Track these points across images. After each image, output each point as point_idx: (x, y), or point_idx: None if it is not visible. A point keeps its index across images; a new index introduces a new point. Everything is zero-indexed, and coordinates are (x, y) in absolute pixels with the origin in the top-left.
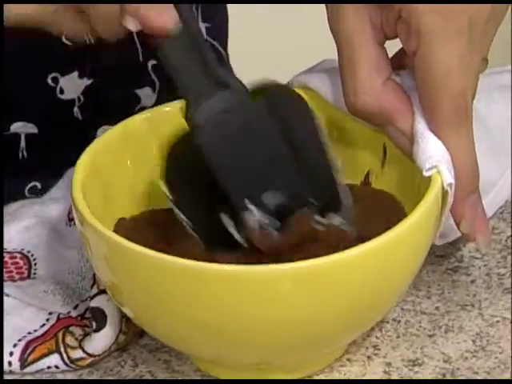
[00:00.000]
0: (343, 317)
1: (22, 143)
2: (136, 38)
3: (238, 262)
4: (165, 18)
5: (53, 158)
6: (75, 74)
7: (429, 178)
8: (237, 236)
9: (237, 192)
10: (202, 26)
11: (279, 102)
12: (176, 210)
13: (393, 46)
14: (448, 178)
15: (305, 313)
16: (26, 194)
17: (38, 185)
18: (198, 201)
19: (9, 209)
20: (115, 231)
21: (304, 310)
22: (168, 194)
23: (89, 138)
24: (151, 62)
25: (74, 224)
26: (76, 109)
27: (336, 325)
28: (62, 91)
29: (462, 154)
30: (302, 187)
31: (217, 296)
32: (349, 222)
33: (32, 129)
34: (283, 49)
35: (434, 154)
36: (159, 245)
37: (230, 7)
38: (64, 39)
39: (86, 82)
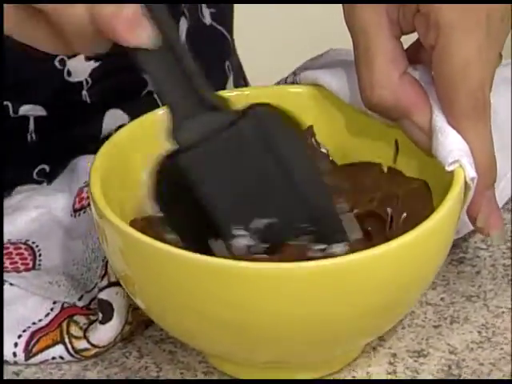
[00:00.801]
0: (360, 317)
1: (31, 126)
2: None
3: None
4: (139, 36)
5: (61, 142)
6: (82, 56)
7: (444, 174)
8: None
9: (224, 218)
10: (207, 11)
11: (267, 124)
12: (168, 231)
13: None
14: (471, 171)
15: (321, 311)
16: (35, 176)
17: (47, 168)
18: (188, 223)
19: (13, 200)
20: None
21: (320, 309)
22: (160, 212)
23: (97, 121)
24: None
25: (79, 215)
26: (84, 92)
27: (352, 325)
28: (69, 73)
29: (481, 148)
30: (295, 214)
31: (232, 293)
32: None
33: (41, 111)
34: (289, 35)
35: (455, 148)
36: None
37: None
38: None
39: (93, 64)
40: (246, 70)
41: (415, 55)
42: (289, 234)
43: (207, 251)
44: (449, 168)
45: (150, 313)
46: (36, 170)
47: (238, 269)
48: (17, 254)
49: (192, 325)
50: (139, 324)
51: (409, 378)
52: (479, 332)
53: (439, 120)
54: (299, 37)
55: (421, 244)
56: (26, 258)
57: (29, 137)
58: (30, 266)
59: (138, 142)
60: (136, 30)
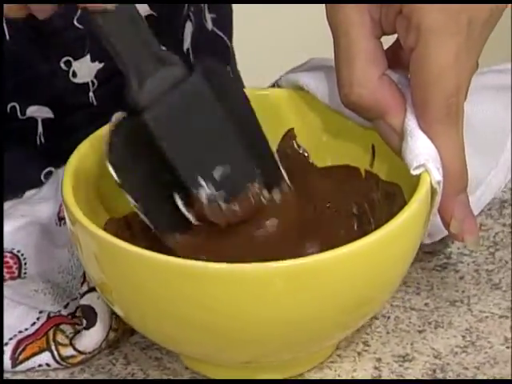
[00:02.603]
0: (335, 314)
1: (40, 128)
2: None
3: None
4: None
5: (68, 144)
6: (87, 57)
7: (416, 178)
8: (187, 214)
9: (187, 170)
10: (208, 17)
11: (216, 77)
12: (124, 193)
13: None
14: (436, 175)
15: (296, 311)
16: (42, 179)
17: (54, 170)
18: (145, 183)
19: None
20: (105, 230)
21: (296, 309)
22: (115, 176)
23: (104, 123)
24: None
25: (64, 223)
26: (91, 94)
27: (328, 322)
28: (74, 74)
29: (452, 153)
30: (248, 160)
31: (207, 294)
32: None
33: (48, 113)
34: (287, 41)
35: (421, 152)
36: (148, 244)
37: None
38: (75, 22)
39: (98, 65)
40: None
41: (394, 57)
42: (244, 181)
43: (162, 212)
44: (414, 172)
45: (129, 320)
46: (44, 173)
47: (212, 271)
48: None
49: (172, 330)
50: (125, 331)
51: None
52: (463, 336)
53: (411, 124)
54: (293, 41)
55: (384, 245)
56: (11, 267)
57: (37, 140)
58: (16, 274)
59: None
60: None
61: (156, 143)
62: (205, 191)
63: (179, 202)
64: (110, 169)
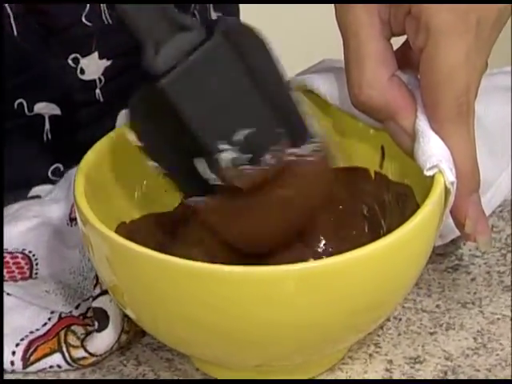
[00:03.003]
0: (347, 318)
1: (47, 125)
2: None
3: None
4: None
5: (75, 141)
6: (95, 54)
7: (427, 179)
8: (211, 178)
9: (208, 134)
10: (214, 16)
11: (239, 39)
12: (148, 158)
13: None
14: (450, 176)
15: (309, 314)
16: (50, 175)
17: (61, 167)
18: (168, 149)
19: (10, 210)
20: (116, 233)
21: (308, 311)
22: (137, 141)
23: (110, 120)
24: None
25: (76, 224)
26: (98, 90)
27: (340, 326)
28: (82, 71)
29: (463, 153)
30: (272, 121)
31: (220, 298)
32: (321, 148)
33: (55, 110)
34: (296, 42)
35: (434, 153)
36: (160, 247)
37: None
38: (83, 19)
39: (106, 62)
40: None
41: (404, 57)
42: (267, 142)
43: (189, 174)
44: (427, 173)
45: (140, 322)
46: (51, 169)
47: (223, 273)
48: (14, 263)
49: (183, 332)
50: (136, 333)
51: None
52: (475, 338)
53: (422, 124)
54: (303, 42)
55: (399, 248)
56: (22, 267)
57: (44, 136)
58: (27, 274)
59: (124, 147)
60: None
61: (174, 109)
62: (227, 155)
63: (201, 167)
64: (133, 135)
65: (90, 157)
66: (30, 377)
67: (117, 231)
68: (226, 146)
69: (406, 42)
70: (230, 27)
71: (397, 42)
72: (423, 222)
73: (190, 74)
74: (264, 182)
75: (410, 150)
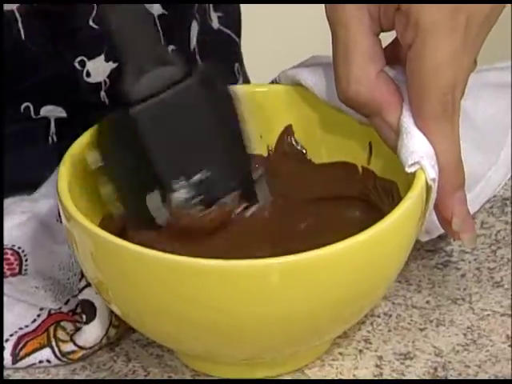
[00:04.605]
0: (332, 310)
1: (52, 128)
2: (158, 22)
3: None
4: None
5: None
6: (102, 57)
7: (411, 175)
8: (161, 214)
9: (167, 169)
10: (214, 16)
11: (212, 85)
12: (106, 180)
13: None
14: (431, 172)
15: (294, 306)
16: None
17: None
18: (128, 175)
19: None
20: (100, 228)
21: (293, 304)
22: (98, 161)
23: None
24: (170, 47)
25: None
26: (103, 93)
27: (325, 318)
28: (88, 74)
29: (447, 150)
30: (231, 170)
31: (204, 291)
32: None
33: (61, 113)
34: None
35: (416, 149)
36: (143, 241)
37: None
38: (91, 22)
39: (113, 65)
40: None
41: (393, 53)
42: (221, 190)
43: (139, 206)
44: (408, 169)
45: (126, 318)
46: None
47: (207, 267)
48: (3, 260)
49: (169, 327)
50: (126, 329)
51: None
52: (465, 334)
53: (406, 121)
54: (296, 39)
55: (379, 242)
56: (12, 263)
57: (50, 139)
58: (17, 271)
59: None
60: None
61: (140, 138)
62: (181, 195)
63: (153, 202)
64: (94, 155)
65: (73, 151)
66: (20, 373)
67: (101, 225)
68: (181, 184)
69: (396, 38)
70: (208, 71)
71: (386, 38)
72: (402, 217)
73: (161, 107)
74: (205, 228)
75: (396, 146)
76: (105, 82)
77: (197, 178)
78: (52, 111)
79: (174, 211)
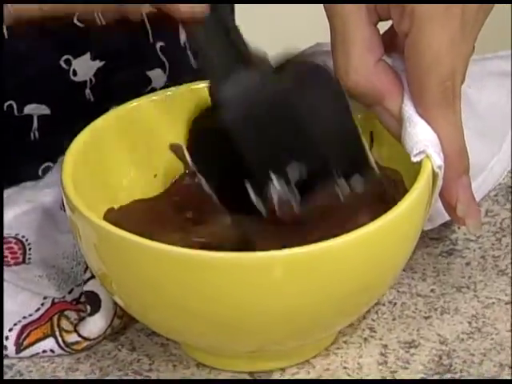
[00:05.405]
0: (337, 302)
1: (34, 124)
2: (146, 19)
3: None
4: (193, 10)
5: (65, 139)
6: (87, 56)
7: (416, 164)
8: (259, 205)
9: (261, 166)
10: None
11: (303, 77)
12: (200, 177)
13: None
14: (437, 160)
15: (298, 299)
16: (40, 174)
17: (52, 165)
18: (221, 172)
19: (3, 194)
20: (104, 220)
21: (297, 297)
22: (191, 162)
23: None
24: (159, 44)
25: None
26: (88, 90)
27: (330, 310)
28: (74, 73)
29: (450, 136)
30: (326, 158)
31: (208, 284)
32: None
33: (44, 110)
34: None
35: (421, 138)
36: (148, 233)
37: None
38: (76, 21)
39: (98, 64)
40: None
41: (390, 41)
42: (319, 182)
43: (240, 201)
44: (414, 159)
45: (130, 309)
46: (42, 168)
47: (211, 259)
48: (7, 248)
49: (173, 319)
50: (130, 318)
51: (400, 369)
52: (469, 323)
53: (408, 110)
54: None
55: (386, 232)
56: (15, 252)
57: (32, 135)
58: (20, 259)
59: (112, 133)
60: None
61: (232, 138)
62: (276, 189)
63: (251, 193)
64: (187, 156)
65: (77, 143)
66: (25, 362)
67: (105, 217)
68: (276, 180)
69: (393, 26)
70: (298, 68)
71: (382, 27)
72: (411, 207)
73: (251, 107)
74: (306, 219)
75: (399, 134)
76: (90, 80)
77: (293, 171)
78: (36, 109)
79: (270, 205)
